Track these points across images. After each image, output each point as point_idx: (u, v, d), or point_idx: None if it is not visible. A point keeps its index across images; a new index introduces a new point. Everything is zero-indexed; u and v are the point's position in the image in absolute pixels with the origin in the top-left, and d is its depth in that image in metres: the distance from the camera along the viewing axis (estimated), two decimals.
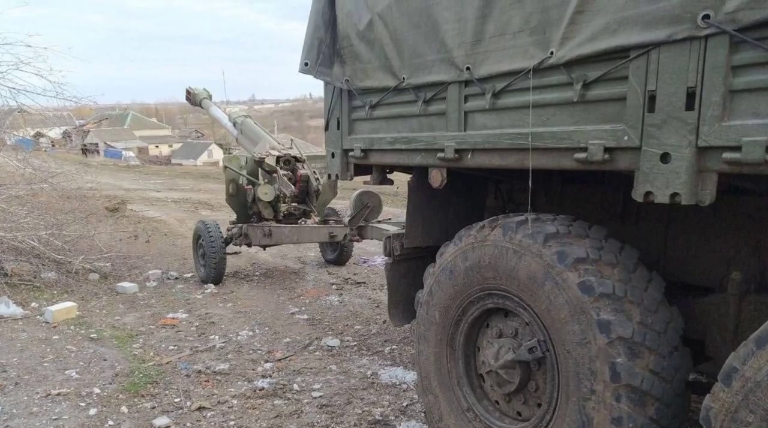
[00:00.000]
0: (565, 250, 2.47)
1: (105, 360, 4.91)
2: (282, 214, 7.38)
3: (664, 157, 2.00)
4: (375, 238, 6.37)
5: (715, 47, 1.84)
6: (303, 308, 6.43)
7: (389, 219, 6.81)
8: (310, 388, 4.33)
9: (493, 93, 2.63)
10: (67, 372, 4.65)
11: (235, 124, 8.54)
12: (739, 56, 1.81)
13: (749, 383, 1.83)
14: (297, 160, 7.61)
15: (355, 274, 7.97)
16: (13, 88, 8.12)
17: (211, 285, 7.23)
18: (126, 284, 7.21)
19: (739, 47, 1.81)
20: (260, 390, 4.30)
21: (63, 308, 6.07)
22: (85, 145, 56.98)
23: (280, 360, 4.90)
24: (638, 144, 2.08)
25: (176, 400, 4.14)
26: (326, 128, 3.86)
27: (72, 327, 5.75)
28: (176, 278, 7.78)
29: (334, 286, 7.37)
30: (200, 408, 4.00)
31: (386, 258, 3.97)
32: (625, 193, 2.89)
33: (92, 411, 3.96)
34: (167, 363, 4.84)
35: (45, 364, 4.81)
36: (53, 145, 44.34)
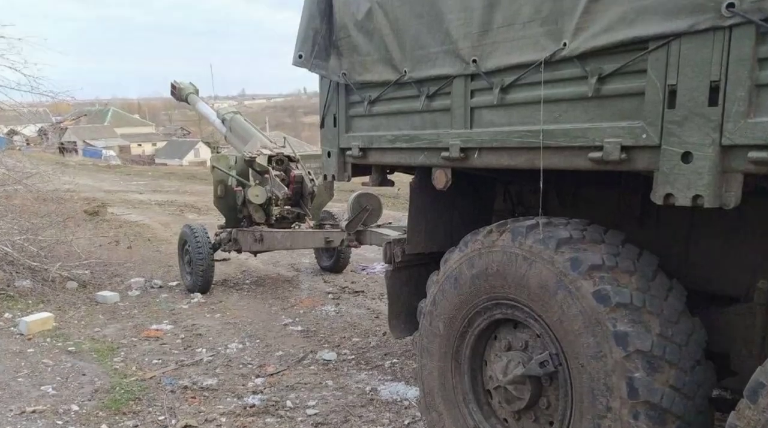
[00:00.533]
0: (578, 257, 2.47)
1: (84, 374, 4.91)
2: (274, 218, 7.37)
3: (686, 157, 2.00)
4: (374, 244, 6.37)
5: (740, 38, 1.84)
6: (297, 319, 6.43)
7: (389, 223, 6.82)
8: (305, 405, 4.32)
9: (501, 87, 2.63)
10: (43, 387, 4.64)
11: (223, 121, 8.55)
12: (766, 48, 1.81)
13: None
14: (290, 159, 7.61)
15: (352, 282, 7.97)
16: None
17: (198, 295, 7.22)
18: (106, 293, 7.20)
19: (766, 38, 1.81)
20: (251, 407, 4.29)
21: (38, 319, 6.06)
22: (62, 144, 56.99)
23: (272, 374, 4.90)
24: (657, 142, 2.08)
25: (160, 418, 4.14)
26: (322, 125, 3.87)
27: (48, 340, 5.74)
28: (160, 286, 7.77)
29: (330, 295, 7.36)
30: (186, 427, 3.99)
31: (386, 265, 3.97)
32: (644, 195, 2.88)
33: None
34: (151, 378, 4.83)
35: (19, 379, 4.81)
36: (28, 144, 44.44)
